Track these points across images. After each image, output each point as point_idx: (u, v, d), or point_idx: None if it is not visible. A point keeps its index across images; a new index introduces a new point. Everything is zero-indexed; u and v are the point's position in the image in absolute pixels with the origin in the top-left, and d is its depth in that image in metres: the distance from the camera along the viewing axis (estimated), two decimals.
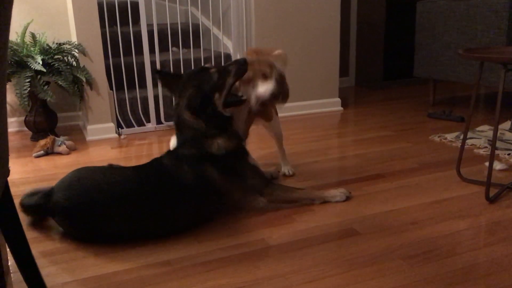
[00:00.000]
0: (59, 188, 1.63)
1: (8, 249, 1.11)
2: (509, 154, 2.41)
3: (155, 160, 1.76)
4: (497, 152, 2.44)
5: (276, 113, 2.23)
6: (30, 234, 1.70)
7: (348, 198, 1.92)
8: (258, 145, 2.73)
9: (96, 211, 1.58)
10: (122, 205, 1.58)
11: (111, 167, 1.79)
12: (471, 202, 1.87)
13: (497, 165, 2.23)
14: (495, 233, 1.62)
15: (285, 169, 2.25)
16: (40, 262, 1.50)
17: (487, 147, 2.55)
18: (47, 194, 1.64)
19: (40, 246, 1.62)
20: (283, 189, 1.89)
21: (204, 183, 1.69)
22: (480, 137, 2.71)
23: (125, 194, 1.60)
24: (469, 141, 2.64)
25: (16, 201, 1.08)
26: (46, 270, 1.46)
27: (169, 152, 1.78)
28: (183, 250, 1.56)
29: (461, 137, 2.46)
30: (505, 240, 1.57)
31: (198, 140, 1.74)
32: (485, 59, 1.83)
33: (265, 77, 1.81)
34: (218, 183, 1.72)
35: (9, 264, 1.35)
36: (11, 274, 1.37)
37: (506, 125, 2.93)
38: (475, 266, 1.41)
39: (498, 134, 2.70)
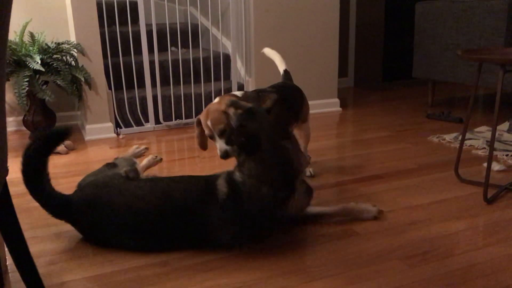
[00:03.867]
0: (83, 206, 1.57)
1: (6, 248, 1.11)
2: (507, 155, 2.41)
3: None
4: (495, 153, 2.45)
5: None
6: (28, 234, 1.70)
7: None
8: None
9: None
10: None
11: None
12: (469, 203, 1.88)
13: (495, 166, 2.24)
14: (493, 234, 1.62)
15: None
16: (38, 261, 1.50)
17: (485, 148, 2.55)
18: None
19: (38, 245, 1.62)
20: None
21: None
22: (478, 138, 2.71)
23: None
24: (467, 142, 2.64)
25: (15, 201, 1.07)
26: (44, 269, 1.46)
27: None
28: (181, 250, 1.56)
29: (460, 138, 2.46)
30: (503, 241, 1.57)
31: None
32: (483, 60, 1.84)
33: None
34: None
35: (7, 263, 1.35)
36: (9, 273, 1.37)
37: (504, 126, 2.93)
38: (473, 266, 1.42)
39: (497, 135, 2.71)
